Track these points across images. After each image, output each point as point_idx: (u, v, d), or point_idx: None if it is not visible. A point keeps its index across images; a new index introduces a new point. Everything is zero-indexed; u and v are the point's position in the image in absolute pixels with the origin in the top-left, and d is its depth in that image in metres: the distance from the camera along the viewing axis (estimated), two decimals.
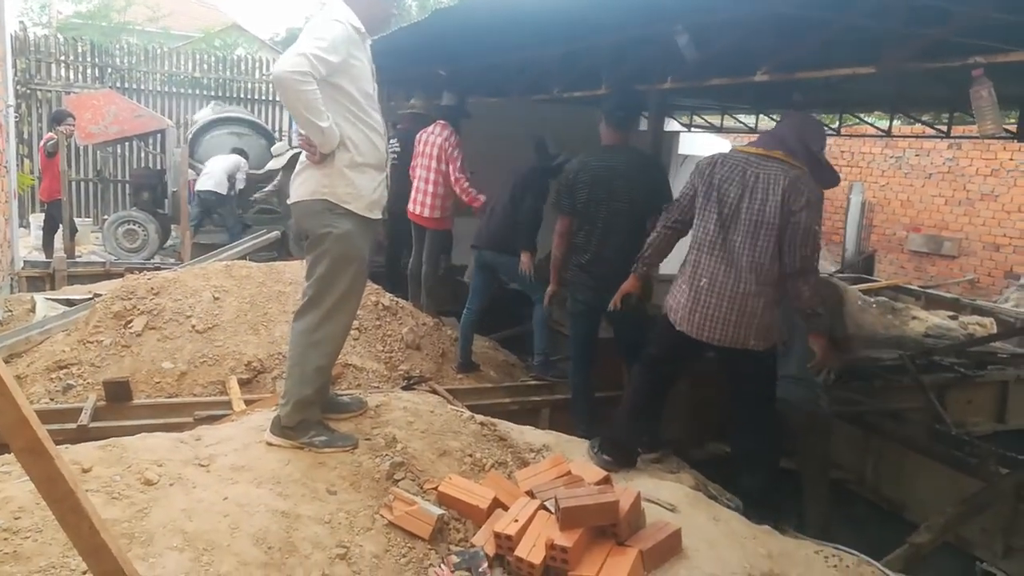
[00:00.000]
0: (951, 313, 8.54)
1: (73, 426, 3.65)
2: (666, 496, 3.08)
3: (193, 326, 4.70)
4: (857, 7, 3.25)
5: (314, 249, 2.92)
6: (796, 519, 3.65)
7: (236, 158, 9.95)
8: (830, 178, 3.45)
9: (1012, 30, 3.31)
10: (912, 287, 9.86)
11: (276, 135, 12.02)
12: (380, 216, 3.05)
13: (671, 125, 10.92)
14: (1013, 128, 7.26)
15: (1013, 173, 10.83)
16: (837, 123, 9.49)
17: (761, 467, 3.44)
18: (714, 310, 3.31)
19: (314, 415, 2.97)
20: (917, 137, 10.45)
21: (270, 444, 2.93)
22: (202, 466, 2.74)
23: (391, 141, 6.75)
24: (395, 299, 5.58)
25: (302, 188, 2.94)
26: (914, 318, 8.11)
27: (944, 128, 8.43)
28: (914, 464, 4.37)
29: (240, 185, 9.85)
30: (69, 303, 5.90)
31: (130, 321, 4.68)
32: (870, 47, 3.54)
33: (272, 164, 10.41)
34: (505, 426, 3.49)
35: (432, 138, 5.93)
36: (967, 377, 5.52)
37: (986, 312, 8.49)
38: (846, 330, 4.62)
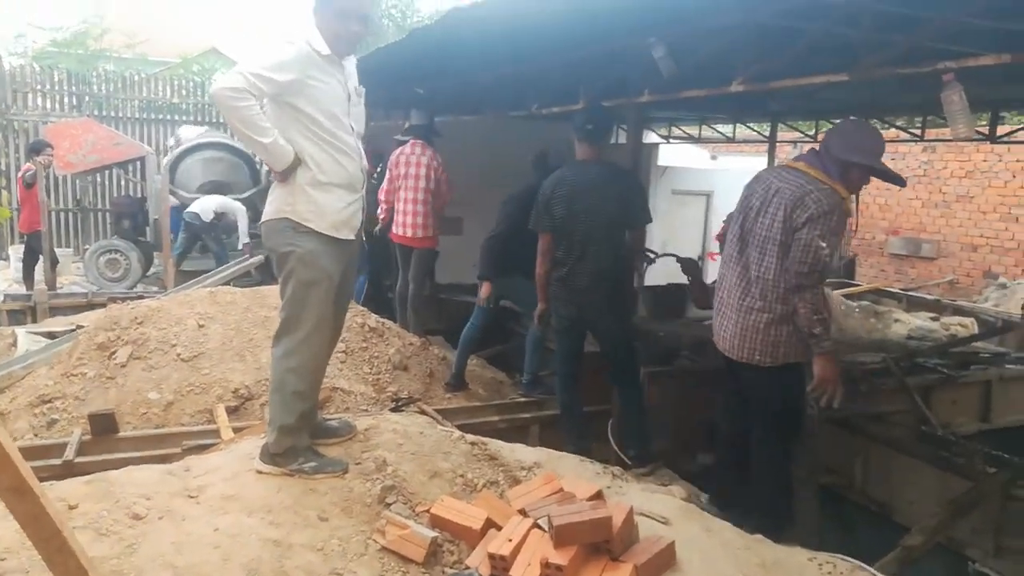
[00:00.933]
0: (933, 315, 8.62)
1: (58, 462, 3.61)
2: (658, 509, 3.08)
3: (179, 355, 4.67)
4: (830, 15, 3.31)
5: (280, 269, 2.92)
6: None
7: (236, 203, 9.76)
8: (856, 181, 3.26)
9: (981, 35, 3.38)
10: (893, 290, 9.96)
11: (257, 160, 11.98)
12: (351, 237, 3.00)
13: (650, 137, 11.03)
14: (985, 130, 7.39)
15: (987, 174, 10.99)
16: (814, 130, 9.60)
17: (771, 479, 3.45)
18: (724, 321, 3.40)
19: (302, 441, 2.95)
20: (892, 141, 10.56)
21: (260, 472, 2.91)
22: (191, 497, 2.72)
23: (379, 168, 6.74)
24: (381, 320, 5.58)
25: (268, 207, 2.95)
26: (897, 320, 8.18)
27: (918, 132, 8.57)
28: (902, 466, 4.39)
29: (244, 239, 9.48)
30: (51, 336, 5.85)
31: (114, 352, 4.65)
32: (843, 55, 3.59)
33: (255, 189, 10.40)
34: (495, 445, 3.48)
35: (413, 158, 5.95)
36: (951, 378, 5.56)
37: (967, 312, 8.58)
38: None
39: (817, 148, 3.35)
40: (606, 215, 4.20)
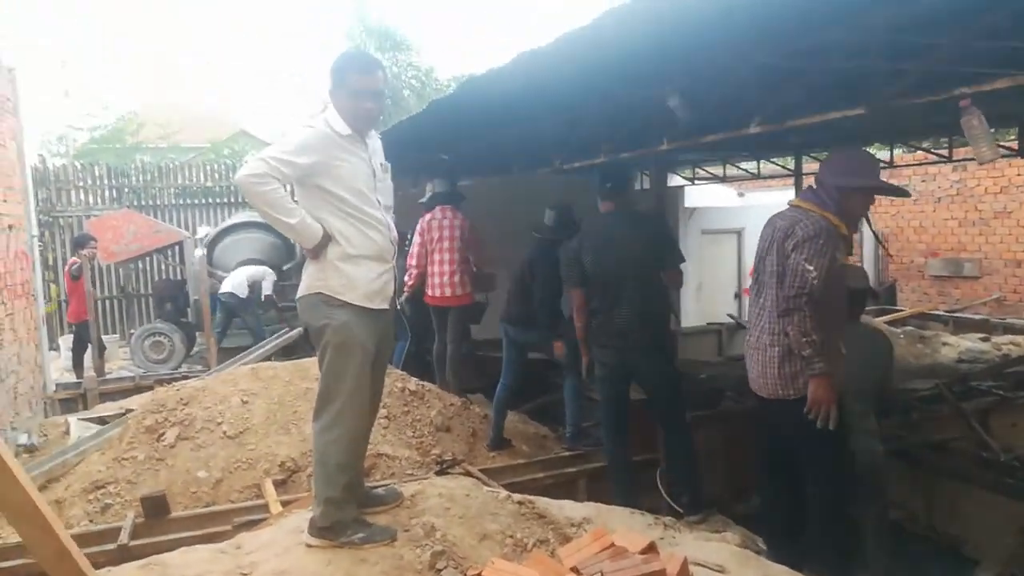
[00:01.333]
0: (982, 335, 8.41)
1: (113, 546, 3.67)
2: (713, 557, 3.01)
3: (224, 432, 4.74)
4: (838, 50, 3.33)
5: (317, 343, 2.98)
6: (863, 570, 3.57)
7: (262, 268, 10.16)
8: (859, 205, 3.39)
9: (996, 55, 3.38)
10: (938, 312, 9.76)
11: None
12: (384, 306, 3.06)
13: (675, 180, 11.08)
14: (1014, 145, 7.29)
15: (1023, 188, 10.80)
16: None
17: (826, 515, 3.37)
18: (750, 361, 3.47)
19: (348, 513, 2.96)
20: (920, 164, 10.48)
21: (310, 546, 2.92)
22: (244, 575, 2.73)
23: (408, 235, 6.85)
24: (421, 383, 5.61)
25: (302, 284, 3.03)
26: (945, 344, 8.00)
27: (945, 153, 8.48)
28: (965, 495, 4.25)
29: (267, 291, 10.00)
30: (102, 421, 5.98)
31: (162, 434, 4.73)
32: (858, 87, 3.60)
33: (291, 263, 10.65)
34: (543, 502, 3.45)
35: (445, 222, 6.08)
36: (1008, 399, 5.40)
37: (1019, 330, 8.36)
38: (891, 383, 4.47)
39: (812, 185, 3.44)
40: (634, 260, 4.29)
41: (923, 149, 8.88)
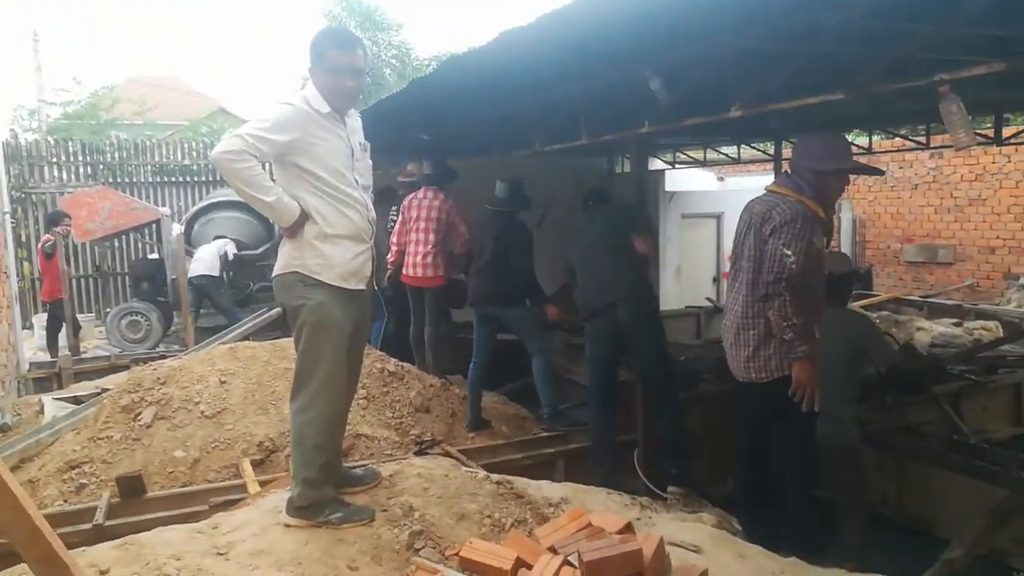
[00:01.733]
0: (955, 320, 8.52)
1: (88, 526, 3.64)
2: (689, 537, 3.05)
3: (202, 412, 4.71)
4: (820, 35, 3.33)
5: (293, 322, 2.96)
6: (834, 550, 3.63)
7: (220, 241, 10.17)
8: (835, 188, 3.45)
9: (972, 41, 3.40)
10: (913, 298, 9.87)
11: None
12: (361, 287, 3.04)
13: (655, 164, 11.09)
14: (990, 133, 7.37)
15: (997, 176, 10.93)
16: None
17: (797, 495, 3.43)
18: (727, 343, 3.52)
19: (326, 493, 2.96)
20: (899, 151, 10.56)
21: (287, 526, 2.91)
22: (221, 555, 2.72)
23: (392, 210, 6.85)
24: (400, 364, 5.60)
25: (278, 262, 3.00)
26: (919, 329, 8.09)
27: (923, 140, 8.56)
28: (936, 478, 4.32)
29: (230, 257, 10.02)
30: (77, 401, 5.92)
31: (139, 413, 4.69)
32: (839, 72, 3.61)
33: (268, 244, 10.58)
34: (521, 483, 3.47)
35: (425, 202, 6.05)
36: (979, 383, 5.49)
37: (990, 316, 8.48)
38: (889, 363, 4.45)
39: (786, 170, 3.49)
40: (609, 242, 4.67)
41: (901, 136, 8.95)
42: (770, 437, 3.49)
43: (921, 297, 9.99)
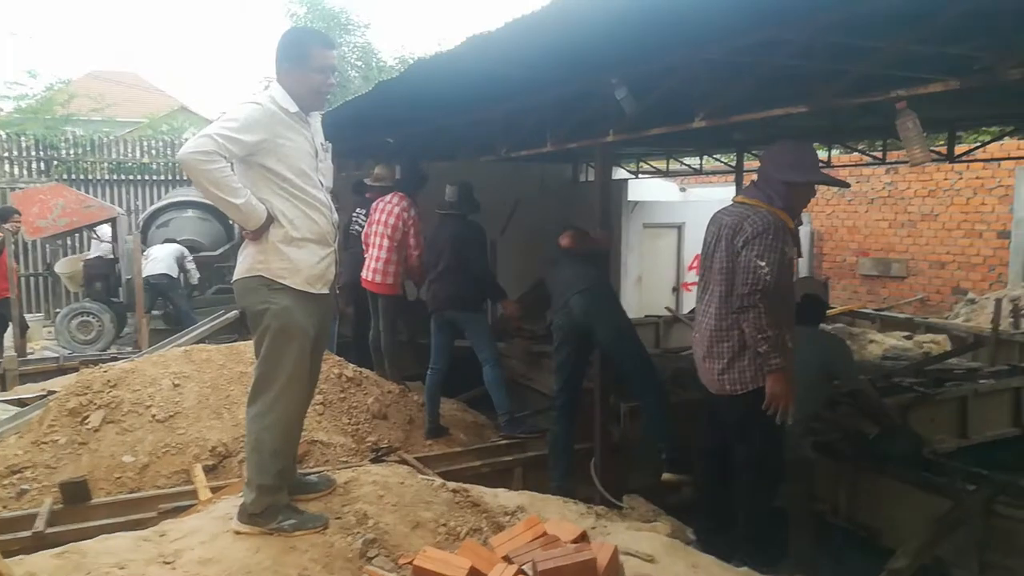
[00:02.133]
0: (906, 333, 8.72)
1: (28, 533, 3.52)
2: (644, 547, 3.05)
3: (154, 416, 4.60)
4: (783, 49, 3.39)
5: (255, 327, 2.90)
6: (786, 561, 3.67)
7: (178, 247, 9.89)
8: (803, 198, 3.45)
9: (931, 60, 3.49)
10: (867, 311, 10.08)
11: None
12: (325, 291, 3.00)
13: (619, 173, 11.19)
14: (943, 151, 7.56)
15: (949, 192, 11.25)
16: None
17: (755, 508, 3.46)
18: (697, 355, 3.50)
19: (280, 499, 2.91)
20: (856, 165, 10.80)
21: (238, 533, 2.86)
22: (167, 563, 2.66)
23: (357, 211, 6.79)
24: (358, 369, 5.54)
25: (240, 266, 2.94)
26: (871, 341, 8.27)
27: (880, 155, 8.76)
28: (885, 488, 4.40)
29: (192, 278, 9.78)
30: (21, 403, 5.74)
31: (86, 417, 4.56)
32: (801, 85, 3.68)
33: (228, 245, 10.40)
34: (478, 491, 3.45)
35: (389, 207, 6.00)
36: (927, 396, 5.60)
37: (939, 329, 8.68)
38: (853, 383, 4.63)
39: (755, 181, 3.49)
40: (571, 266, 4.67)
41: (859, 151, 9.15)
42: (736, 449, 3.48)
43: (875, 310, 10.21)
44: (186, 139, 14.56)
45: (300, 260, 2.88)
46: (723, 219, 3.41)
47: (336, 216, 3.07)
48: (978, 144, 8.61)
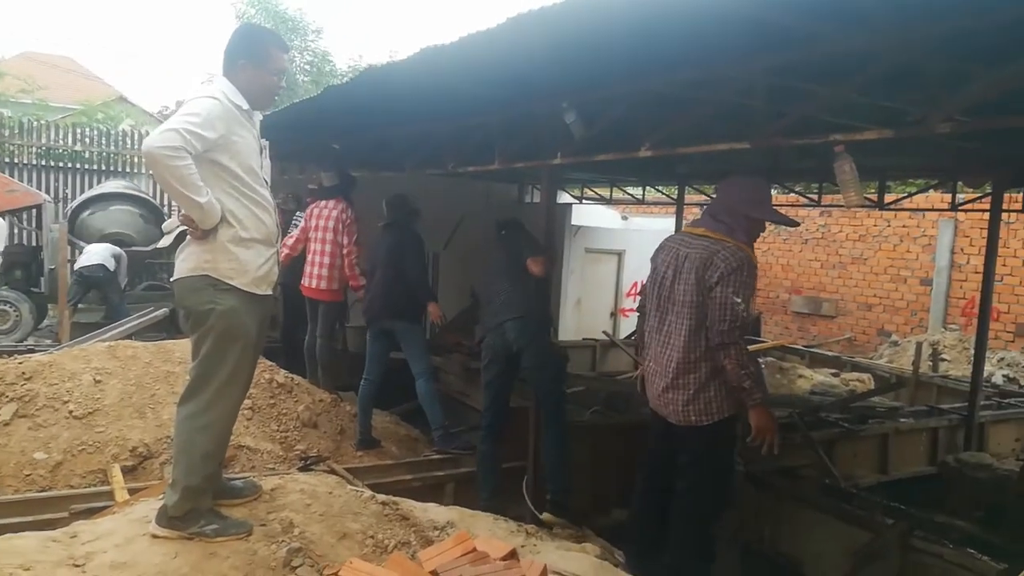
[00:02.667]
0: (833, 370, 9.02)
1: None
2: (573, 567, 3.05)
3: (71, 412, 4.41)
4: (726, 85, 3.48)
5: (198, 328, 2.80)
6: None
7: (116, 248, 9.54)
8: (757, 232, 3.46)
9: (869, 110, 3.63)
10: (797, 347, 10.38)
11: (165, 211, 11.58)
12: (268, 292, 2.94)
13: (563, 197, 11.31)
14: (874, 198, 7.88)
15: (877, 238, 11.73)
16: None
17: (694, 538, 3.45)
18: (657, 387, 3.44)
19: (204, 503, 2.81)
20: (792, 205, 11.15)
21: (156, 536, 2.74)
22: (77, 567, 2.53)
23: (297, 214, 6.68)
24: (290, 376, 5.42)
25: (184, 264, 2.84)
26: (800, 376, 8.51)
27: (816, 197, 9.07)
28: (808, 519, 4.50)
29: (123, 279, 9.45)
30: None
31: None
32: (745, 123, 3.78)
33: (162, 242, 10.07)
34: (408, 504, 3.40)
35: (327, 212, 5.92)
36: (851, 431, 5.79)
37: (864, 368, 9.01)
38: None
39: (713, 212, 3.49)
40: (506, 266, 4.66)
41: (796, 191, 9.46)
42: (685, 475, 3.45)
43: (804, 347, 10.52)
44: (122, 130, 14.17)
45: (248, 261, 2.82)
46: (683, 251, 3.38)
47: (277, 216, 3.03)
48: (905, 195, 9.01)
